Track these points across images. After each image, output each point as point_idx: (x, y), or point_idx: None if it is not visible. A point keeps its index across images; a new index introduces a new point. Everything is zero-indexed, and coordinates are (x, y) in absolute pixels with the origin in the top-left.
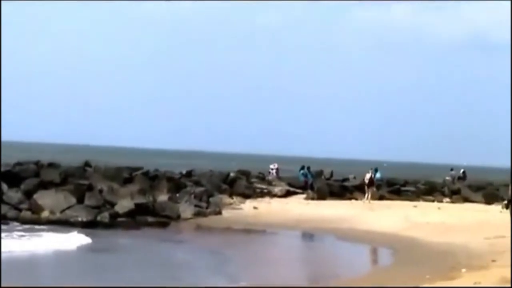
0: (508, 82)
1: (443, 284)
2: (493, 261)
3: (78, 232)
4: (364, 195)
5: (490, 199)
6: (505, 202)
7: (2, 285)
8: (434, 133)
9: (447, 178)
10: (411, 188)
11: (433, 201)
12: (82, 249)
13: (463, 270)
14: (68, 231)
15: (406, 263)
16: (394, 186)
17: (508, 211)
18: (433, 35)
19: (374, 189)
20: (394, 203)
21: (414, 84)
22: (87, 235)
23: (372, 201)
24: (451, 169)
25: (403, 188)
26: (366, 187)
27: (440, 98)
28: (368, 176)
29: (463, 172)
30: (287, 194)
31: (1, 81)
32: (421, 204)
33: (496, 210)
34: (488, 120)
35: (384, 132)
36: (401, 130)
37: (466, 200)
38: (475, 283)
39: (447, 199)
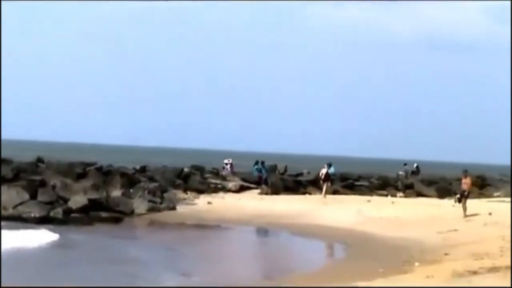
0: (461, 78)
1: (396, 278)
2: (446, 254)
3: (35, 228)
4: (319, 190)
5: (442, 193)
6: (458, 196)
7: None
8: (389, 128)
9: (401, 172)
10: (365, 183)
11: (386, 195)
12: (41, 246)
13: (416, 264)
14: (25, 228)
15: (360, 257)
16: (348, 180)
17: (460, 205)
18: (389, 34)
19: (329, 184)
20: (348, 198)
21: (369, 81)
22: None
23: (327, 196)
24: (405, 164)
25: (356, 183)
26: (321, 182)
27: (395, 94)
28: (323, 171)
29: (417, 167)
30: (241, 189)
31: None
32: (375, 199)
33: (449, 204)
34: (442, 117)
35: (337, 128)
36: (355, 126)
37: (419, 194)
38: (427, 276)
39: (401, 194)
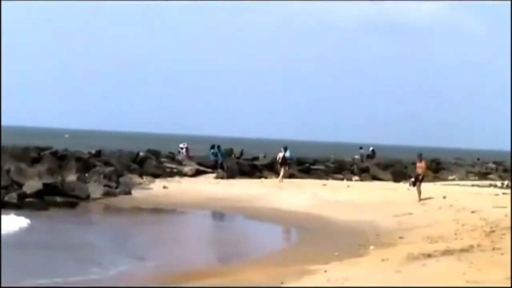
0: (411, 61)
1: (352, 261)
2: (401, 238)
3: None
4: (275, 174)
5: (398, 177)
6: (412, 180)
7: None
8: (344, 111)
9: (356, 156)
10: (321, 167)
11: (342, 179)
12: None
13: (371, 247)
14: None
15: (315, 241)
16: (304, 164)
17: (415, 189)
18: (338, 18)
19: (287, 168)
20: (304, 182)
21: (321, 65)
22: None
23: (283, 180)
24: (360, 148)
25: (312, 167)
26: (279, 166)
27: (347, 79)
28: (280, 155)
29: (372, 151)
30: (197, 173)
31: None
32: (331, 183)
33: (404, 188)
34: (397, 100)
35: (292, 111)
36: (310, 109)
37: (375, 178)
38: (382, 260)
39: (356, 177)
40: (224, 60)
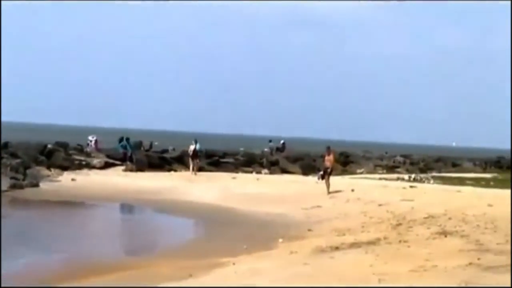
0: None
1: (260, 254)
2: (310, 230)
3: None
4: (185, 167)
5: (307, 170)
6: (321, 173)
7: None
8: (258, 106)
9: (266, 149)
10: (230, 160)
11: (251, 172)
12: None
13: (280, 240)
14: None
15: (224, 234)
16: (213, 157)
17: (323, 182)
18: (255, 13)
19: (198, 160)
20: (214, 175)
21: (238, 58)
22: None
23: (197, 173)
24: (270, 141)
25: (222, 160)
26: (190, 158)
27: (264, 72)
28: (192, 147)
29: (283, 143)
30: (106, 165)
31: None
32: (240, 176)
33: (313, 181)
34: (305, 92)
35: (202, 105)
36: (220, 103)
37: (284, 171)
38: (291, 252)
39: (266, 170)
40: (134, 52)
